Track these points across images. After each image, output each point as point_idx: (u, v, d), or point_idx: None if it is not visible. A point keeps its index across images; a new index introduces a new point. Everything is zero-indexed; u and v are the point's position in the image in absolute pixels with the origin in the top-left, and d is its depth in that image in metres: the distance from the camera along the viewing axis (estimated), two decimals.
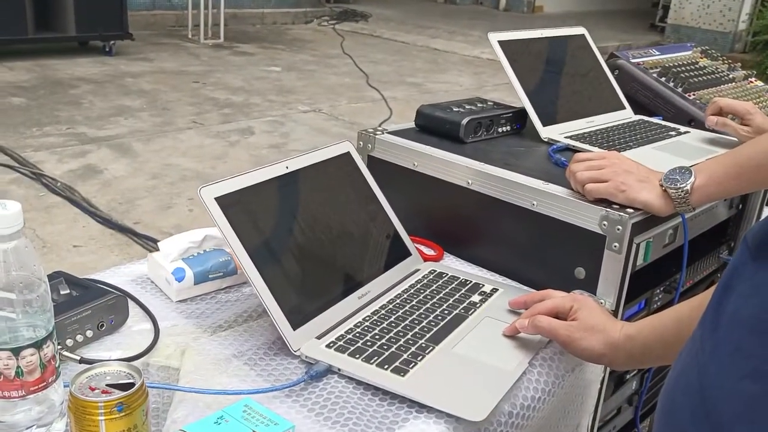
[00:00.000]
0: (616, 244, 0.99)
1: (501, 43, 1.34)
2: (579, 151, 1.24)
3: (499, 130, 1.32)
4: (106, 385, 0.63)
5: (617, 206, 1.01)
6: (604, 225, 0.99)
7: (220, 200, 0.88)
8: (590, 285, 1.03)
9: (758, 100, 1.64)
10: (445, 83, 6.54)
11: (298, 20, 9.43)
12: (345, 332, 0.89)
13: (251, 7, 9.12)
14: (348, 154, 1.09)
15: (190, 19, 7.54)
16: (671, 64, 1.67)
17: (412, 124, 1.34)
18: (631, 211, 1.00)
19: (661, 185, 1.01)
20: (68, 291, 0.86)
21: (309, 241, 0.96)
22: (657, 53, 1.73)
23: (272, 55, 7.15)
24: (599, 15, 12.64)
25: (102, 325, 0.85)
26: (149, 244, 2.92)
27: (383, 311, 0.94)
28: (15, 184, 3.40)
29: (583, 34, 1.53)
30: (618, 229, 0.98)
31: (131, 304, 0.91)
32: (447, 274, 1.05)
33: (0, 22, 5.58)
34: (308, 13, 9.63)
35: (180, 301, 0.97)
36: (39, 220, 3.05)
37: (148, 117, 4.68)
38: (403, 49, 8.15)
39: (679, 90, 1.58)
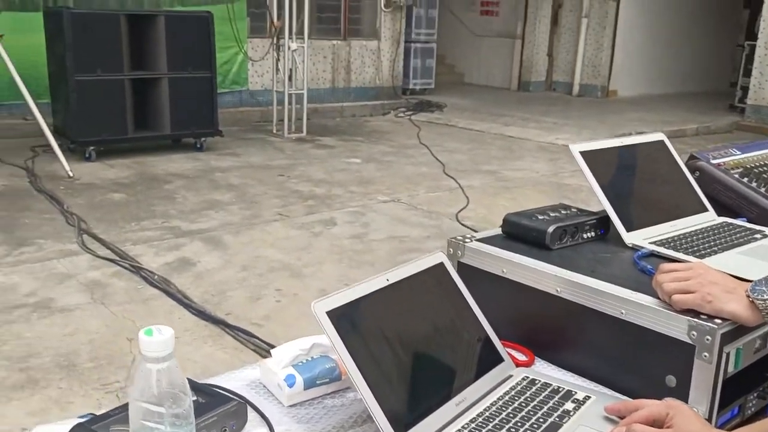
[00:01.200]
0: (706, 353, 1.02)
1: (582, 153, 1.42)
2: (664, 257, 1.28)
3: (584, 236, 1.38)
4: None
5: (705, 316, 1.04)
6: (693, 335, 1.02)
7: (330, 314, 0.96)
8: (682, 393, 1.05)
9: None
10: (520, 170, 6.63)
11: (375, 112, 9.81)
12: None
13: (331, 101, 9.57)
14: (441, 264, 1.17)
15: (274, 114, 7.98)
16: (753, 164, 1.70)
17: (499, 231, 1.41)
18: (720, 321, 1.02)
19: (748, 296, 1.04)
20: (195, 398, 0.95)
21: (408, 349, 1.03)
22: (737, 152, 1.76)
23: (352, 147, 7.44)
24: (675, 97, 12.59)
25: (225, 430, 0.93)
26: (240, 335, 3.05)
27: (480, 419, 0.99)
28: (116, 277, 3.64)
29: (662, 140, 1.59)
30: (707, 340, 1.01)
31: (248, 408, 1.00)
32: (540, 381, 1.10)
33: (104, 123, 6.09)
34: (385, 105, 10.02)
35: (291, 405, 1.05)
36: (139, 313, 3.24)
37: (237, 210, 4.94)
38: (478, 138, 8.32)
39: (762, 190, 1.60)
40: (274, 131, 7.94)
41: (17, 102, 7.07)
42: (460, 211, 5.08)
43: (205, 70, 6.51)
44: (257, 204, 5.13)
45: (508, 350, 1.18)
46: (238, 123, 8.30)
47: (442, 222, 4.87)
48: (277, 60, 7.81)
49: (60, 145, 5.73)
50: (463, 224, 4.78)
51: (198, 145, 6.73)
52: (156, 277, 3.61)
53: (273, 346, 3.06)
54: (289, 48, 7.52)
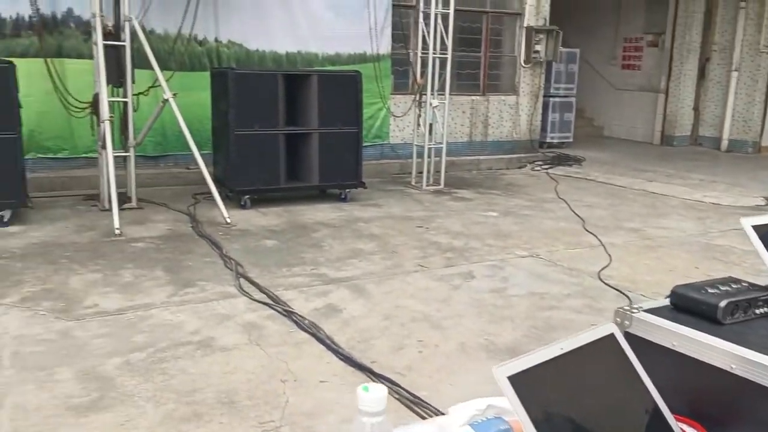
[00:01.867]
0: None
1: (756, 227, 1.41)
2: None
3: (757, 311, 1.37)
4: None
5: None
6: None
7: (511, 378, 1.03)
8: None
9: None
10: (665, 228, 6.39)
11: (512, 165, 9.84)
12: None
13: (468, 154, 9.71)
14: (612, 335, 1.21)
15: (414, 167, 8.21)
16: None
17: (666, 302, 1.43)
18: None
19: None
20: None
21: (582, 417, 1.08)
22: None
23: (489, 200, 7.50)
24: None
25: None
26: (383, 382, 3.15)
27: None
28: (270, 320, 3.88)
29: None
30: None
31: None
32: None
33: (259, 174, 6.54)
34: (522, 158, 10.02)
35: None
36: (290, 354, 3.44)
37: (379, 260, 5.12)
38: (619, 193, 8.12)
39: None
40: (413, 183, 8.16)
41: (182, 153, 7.77)
42: (602, 270, 4.98)
43: (353, 125, 6.86)
44: (398, 254, 5.29)
45: (680, 425, 1.19)
46: (378, 175, 8.61)
47: (583, 280, 4.80)
48: (419, 115, 8.07)
49: (219, 193, 6.21)
50: (606, 283, 4.68)
51: (342, 196, 7.06)
52: (306, 321, 3.82)
53: (417, 397, 3.14)
54: (430, 104, 7.77)
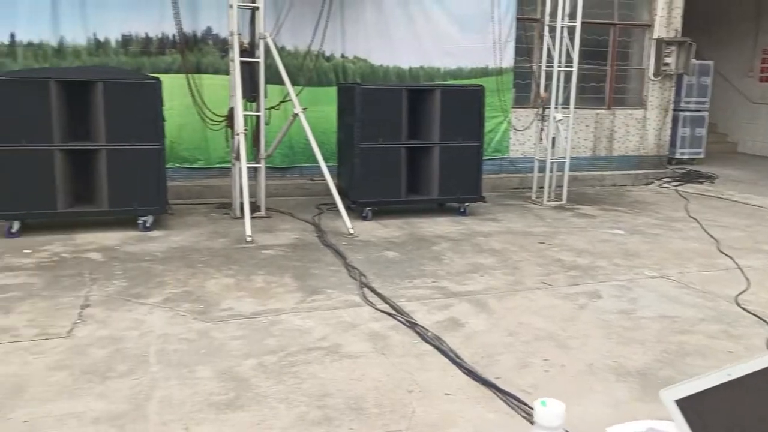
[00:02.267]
0: None
1: None
2: None
3: None
4: None
5: None
6: None
7: (678, 402, 1.02)
8: None
9: None
10: None
11: (638, 182, 9.48)
12: None
13: (592, 169, 9.45)
14: None
15: (534, 181, 8.10)
16: None
17: None
18: None
19: None
20: None
21: None
22: None
23: (614, 218, 7.27)
24: None
25: None
26: (511, 400, 3.13)
27: None
28: (394, 330, 3.94)
29: None
30: None
31: None
32: None
33: (381, 187, 6.67)
34: (649, 175, 9.65)
35: None
36: (414, 365, 3.48)
37: (500, 275, 5.08)
38: (757, 213, 7.65)
39: None
40: (533, 198, 8.04)
41: (307, 165, 8.10)
42: (740, 294, 4.70)
43: (474, 139, 6.87)
44: (519, 270, 5.23)
45: None
46: (497, 189, 8.55)
47: (718, 304, 4.55)
48: (541, 129, 7.96)
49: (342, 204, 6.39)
50: (744, 309, 4.42)
51: (461, 210, 7.07)
52: (429, 333, 3.85)
53: None
54: (554, 118, 7.64)
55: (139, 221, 6.05)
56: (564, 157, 7.88)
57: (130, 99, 5.83)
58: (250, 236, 5.76)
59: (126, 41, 7.41)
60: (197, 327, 3.90)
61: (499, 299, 4.55)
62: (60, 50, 7.19)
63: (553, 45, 7.70)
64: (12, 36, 7.05)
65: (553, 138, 7.85)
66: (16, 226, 5.74)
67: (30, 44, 7.10)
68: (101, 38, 7.31)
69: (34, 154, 5.60)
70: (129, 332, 3.79)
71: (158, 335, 3.77)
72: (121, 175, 5.87)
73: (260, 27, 6.53)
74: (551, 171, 7.90)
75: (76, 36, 7.22)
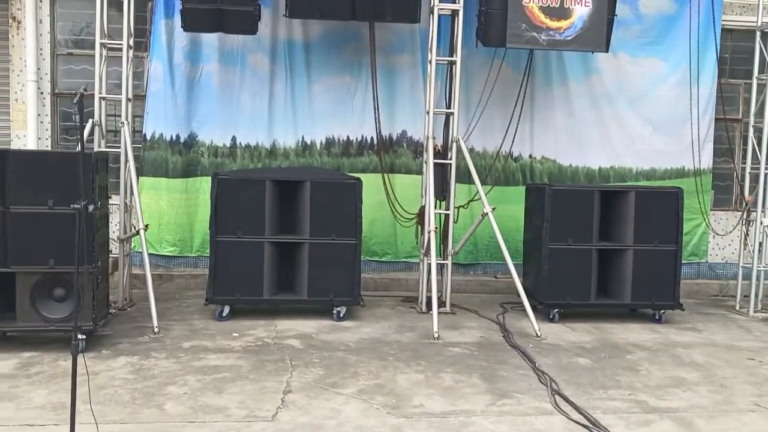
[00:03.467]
0: None
1: None
2: None
3: None
4: None
5: None
6: None
7: None
8: None
9: None
10: None
11: None
12: None
13: None
14: None
15: (739, 290, 7.51)
16: None
17: None
18: None
19: None
20: None
21: None
22: None
23: None
24: None
25: None
26: None
27: None
28: None
29: None
30: None
31: None
32: None
33: (570, 288, 6.52)
34: None
35: None
36: None
37: (705, 392, 4.70)
38: None
39: None
40: (737, 308, 7.42)
41: (490, 262, 8.14)
42: None
43: (670, 243, 6.56)
44: (727, 388, 4.81)
45: None
46: (693, 295, 8.00)
47: None
48: (746, 234, 7.43)
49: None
50: None
51: (656, 317, 6.69)
52: None
53: None
54: (761, 223, 7.11)
55: (334, 311, 6.38)
56: None
57: (333, 197, 6.29)
58: (437, 332, 5.84)
59: (329, 143, 8.06)
60: (391, 422, 3.99)
61: (708, 420, 4.21)
62: (272, 151, 7.96)
63: (759, 147, 7.27)
64: (233, 139, 7.95)
65: (760, 243, 7.27)
66: (226, 310, 6.28)
67: (248, 146, 7.95)
68: (308, 141, 8.02)
69: (248, 245, 6.17)
70: (327, 421, 3.96)
71: (354, 426, 3.90)
72: (321, 267, 6.26)
73: (454, 131, 6.82)
74: (758, 279, 7.28)
75: (287, 139, 7.98)
